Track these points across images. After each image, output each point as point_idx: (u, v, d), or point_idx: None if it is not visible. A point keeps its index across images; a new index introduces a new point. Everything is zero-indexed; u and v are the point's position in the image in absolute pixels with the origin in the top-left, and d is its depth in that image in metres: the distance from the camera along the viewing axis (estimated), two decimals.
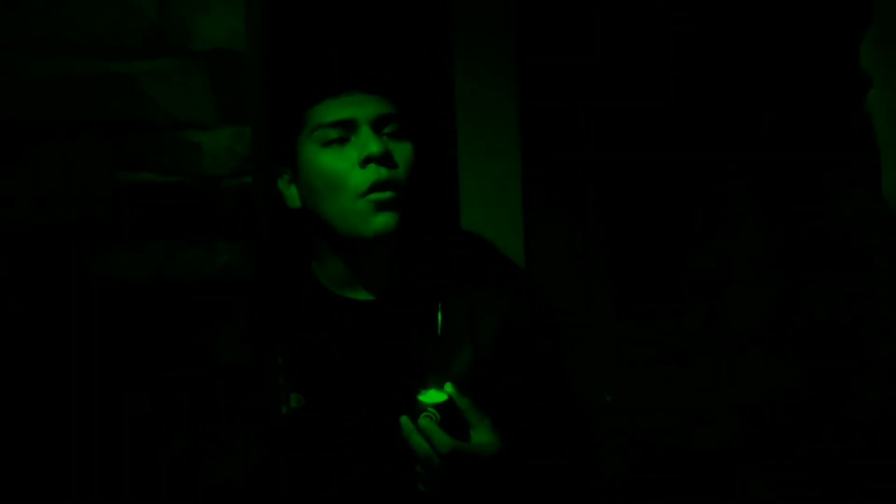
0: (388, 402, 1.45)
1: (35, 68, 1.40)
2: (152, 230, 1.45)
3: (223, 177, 1.51)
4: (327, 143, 1.48)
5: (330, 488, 1.49)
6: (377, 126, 1.48)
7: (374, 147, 1.45)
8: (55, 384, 1.37)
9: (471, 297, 1.56)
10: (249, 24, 1.52)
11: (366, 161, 1.46)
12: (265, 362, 1.49)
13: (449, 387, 1.36)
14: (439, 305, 1.54)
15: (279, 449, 1.46)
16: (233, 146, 1.51)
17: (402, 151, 1.50)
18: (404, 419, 1.36)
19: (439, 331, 1.48)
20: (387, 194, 1.46)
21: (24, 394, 1.36)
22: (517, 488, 1.38)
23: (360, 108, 1.47)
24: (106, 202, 1.42)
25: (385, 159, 1.46)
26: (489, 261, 1.67)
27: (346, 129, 1.47)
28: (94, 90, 1.43)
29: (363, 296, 1.55)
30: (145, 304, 1.43)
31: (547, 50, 1.95)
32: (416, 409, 1.34)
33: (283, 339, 1.55)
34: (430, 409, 1.33)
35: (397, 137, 1.50)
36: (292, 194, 1.58)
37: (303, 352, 1.54)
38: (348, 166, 1.47)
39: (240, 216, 1.51)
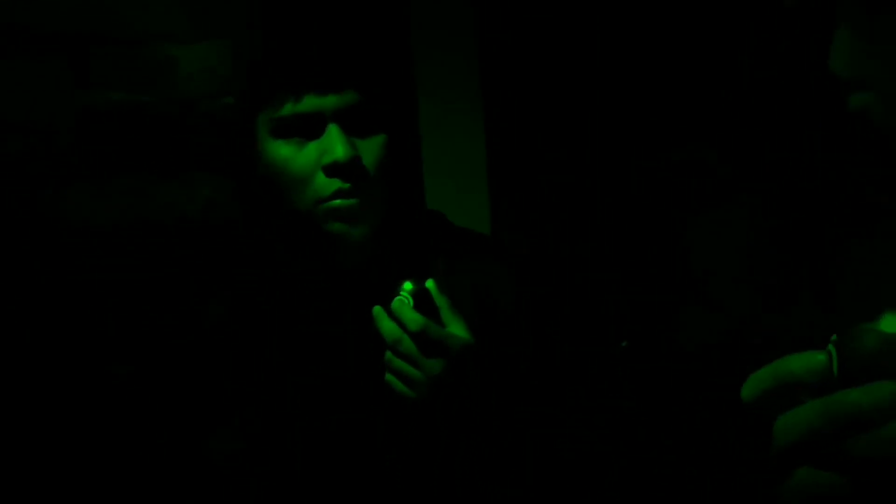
0: (368, 365, 1.36)
1: None
2: (120, 162, 1.24)
3: (200, 98, 1.29)
4: (287, 136, 1.29)
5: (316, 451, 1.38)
6: (346, 122, 1.30)
7: (340, 152, 1.26)
8: (20, 355, 1.16)
9: (447, 263, 1.47)
10: None
11: (330, 169, 1.29)
12: (257, 318, 1.33)
13: (430, 283, 1.30)
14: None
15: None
16: (211, 63, 1.30)
17: (373, 147, 1.32)
18: (377, 308, 1.29)
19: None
20: (351, 201, 1.30)
21: None
22: (494, 393, 1.29)
23: (326, 99, 1.28)
24: (66, 128, 1.19)
25: (352, 166, 1.29)
26: (461, 231, 1.56)
27: (310, 123, 1.29)
28: None
29: (339, 265, 1.42)
30: (118, 250, 1.22)
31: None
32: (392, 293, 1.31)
33: (269, 294, 1.40)
34: (404, 293, 1.28)
35: (368, 132, 1.32)
36: None
37: (280, 314, 1.42)
38: (310, 168, 1.30)
39: (221, 144, 1.30)
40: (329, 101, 1.29)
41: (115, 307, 1.23)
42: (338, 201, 1.31)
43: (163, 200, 1.26)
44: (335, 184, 1.30)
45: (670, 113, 1.83)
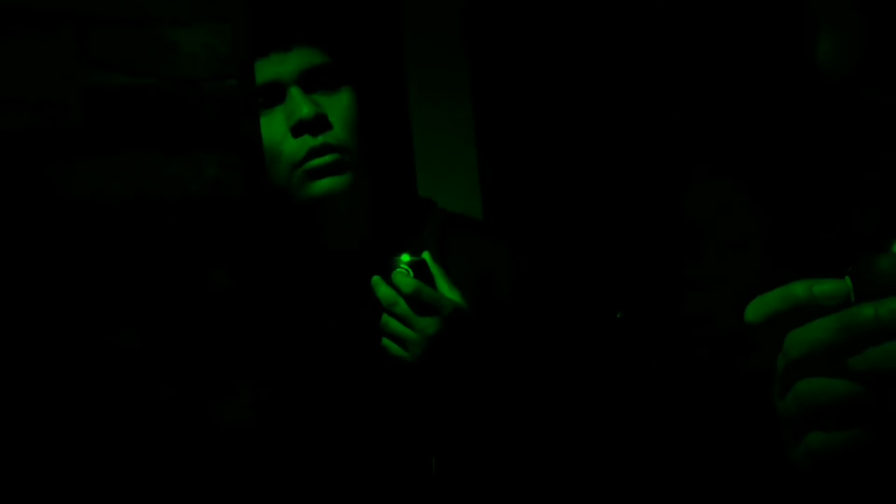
0: (366, 346, 1.38)
1: None
2: (126, 140, 1.26)
3: (204, 79, 1.32)
4: (262, 110, 1.32)
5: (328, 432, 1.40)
6: (306, 82, 1.32)
7: (304, 110, 1.29)
8: (26, 325, 1.18)
9: (443, 246, 1.49)
10: None
11: (297, 128, 1.31)
12: (261, 294, 1.34)
13: (426, 254, 1.35)
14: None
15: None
16: (213, 45, 1.32)
17: (340, 102, 1.34)
18: (375, 277, 1.33)
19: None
20: (326, 159, 1.33)
21: None
22: (488, 363, 1.32)
23: (283, 65, 1.31)
24: (73, 107, 1.21)
25: (318, 122, 1.31)
26: (455, 216, 1.59)
27: (273, 91, 1.32)
28: None
29: (336, 246, 1.43)
30: (124, 225, 1.24)
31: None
32: (390, 269, 1.35)
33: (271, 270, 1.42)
34: (404, 265, 1.31)
35: (332, 87, 1.34)
36: None
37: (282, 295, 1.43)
38: (280, 135, 1.33)
39: (225, 124, 1.33)
40: (287, 66, 1.31)
41: (122, 279, 1.24)
42: (313, 161, 1.33)
43: (169, 178, 1.28)
44: (306, 144, 1.33)
45: (667, 109, 1.85)
